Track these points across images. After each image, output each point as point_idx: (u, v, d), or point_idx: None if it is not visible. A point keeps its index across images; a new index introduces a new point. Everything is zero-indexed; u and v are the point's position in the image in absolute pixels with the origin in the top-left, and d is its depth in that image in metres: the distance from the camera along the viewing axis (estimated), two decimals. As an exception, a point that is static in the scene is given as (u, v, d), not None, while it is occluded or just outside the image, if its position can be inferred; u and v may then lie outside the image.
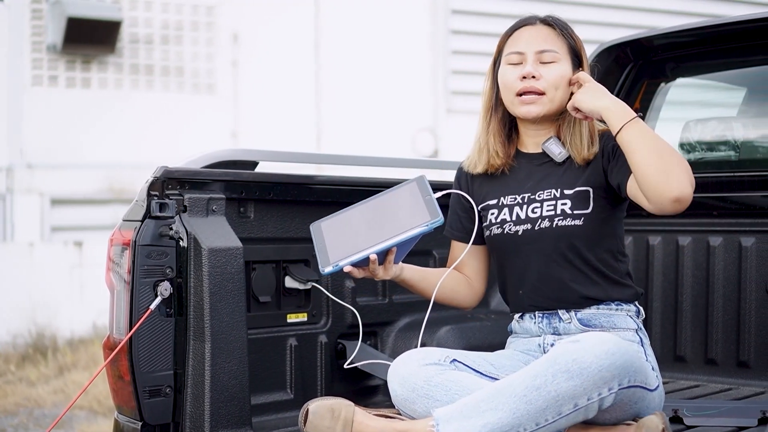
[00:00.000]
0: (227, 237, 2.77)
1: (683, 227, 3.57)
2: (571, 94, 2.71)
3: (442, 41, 9.79)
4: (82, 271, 8.42)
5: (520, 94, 2.71)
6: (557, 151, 2.74)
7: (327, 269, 2.55)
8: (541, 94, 2.70)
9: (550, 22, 2.79)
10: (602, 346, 2.36)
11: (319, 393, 3.08)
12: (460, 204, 2.87)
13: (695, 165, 3.72)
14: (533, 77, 2.69)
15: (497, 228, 2.77)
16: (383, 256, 2.58)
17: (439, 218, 2.52)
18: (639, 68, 3.79)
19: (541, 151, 2.78)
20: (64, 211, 8.62)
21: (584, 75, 2.65)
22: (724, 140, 3.70)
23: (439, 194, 2.61)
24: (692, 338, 3.55)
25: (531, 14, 2.82)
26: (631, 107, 3.78)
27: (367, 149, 8.86)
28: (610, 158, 2.67)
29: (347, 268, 2.55)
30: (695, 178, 3.57)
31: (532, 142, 2.81)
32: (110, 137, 8.77)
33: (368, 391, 3.22)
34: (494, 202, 2.79)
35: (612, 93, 3.76)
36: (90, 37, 8.61)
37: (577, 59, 2.77)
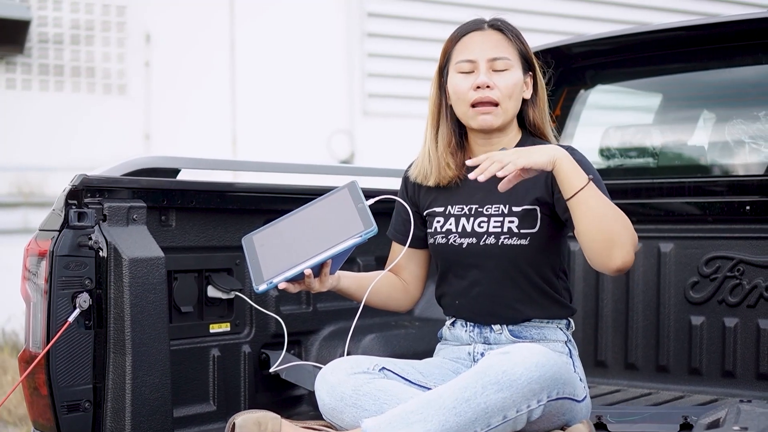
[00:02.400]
0: (148, 247, 2.70)
1: (603, 233, 3.60)
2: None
3: (358, 44, 9.78)
4: (-10, 275, 8.20)
5: (474, 105, 2.63)
6: None
7: (261, 287, 2.47)
8: (496, 104, 2.62)
9: (499, 27, 2.69)
10: (532, 358, 2.36)
11: (242, 404, 3.03)
12: (405, 207, 2.79)
13: (615, 171, 3.78)
14: (488, 87, 2.62)
15: (442, 237, 2.71)
16: (318, 268, 2.53)
17: (372, 228, 2.45)
18: (559, 75, 3.82)
19: None
20: (-29, 215, 8.40)
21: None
22: (643, 147, 3.75)
23: (371, 201, 2.55)
24: (613, 343, 3.59)
25: (477, 17, 2.72)
26: (552, 114, 3.84)
27: (283, 152, 8.81)
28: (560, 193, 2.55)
29: (282, 285, 2.48)
30: (615, 184, 3.65)
31: (482, 151, 2.71)
32: (19, 139, 8.56)
33: (293, 401, 3.18)
34: (441, 209, 2.73)
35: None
36: (-3, 37, 8.40)
37: (527, 64, 2.70)
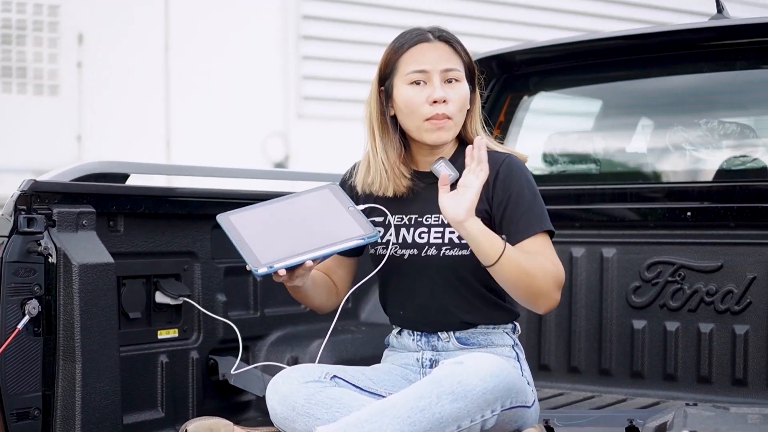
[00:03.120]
0: (98, 252, 2.68)
1: (547, 238, 3.64)
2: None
3: (293, 46, 9.77)
4: None
5: (428, 119, 2.58)
6: (445, 174, 2.58)
7: (261, 270, 2.43)
8: (449, 118, 2.58)
9: (447, 39, 2.63)
10: (487, 368, 2.37)
11: (190, 410, 3.02)
12: None
13: (558, 177, 3.83)
14: (444, 101, 2.56)
15: (382, 248, 2.68)
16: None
17: (375, 234, 2.53)
18: (503, 82, 3.86)
19: (430, 169, 2.64)
20: None
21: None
22: (586, 153, 3.80)
23: (361, 207, 2.60)
24: (556, 347, 3.63)
25: (416, 27, 2.65)
26: (496, 120, 3.88)
27: (218, 154, 8.77)
28: (500, 208, 2.59)
29: (281, 272, 2.46)
30: (558, 190, 3.70)
31: (424, 160, 2.69)
32: (-53, 140, 8.41)
33: (241, 407, 3.17)
34: (380, 219, 2.70)
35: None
36: (-75, 35, 8.24)
37: (470, 75, 2.66)
